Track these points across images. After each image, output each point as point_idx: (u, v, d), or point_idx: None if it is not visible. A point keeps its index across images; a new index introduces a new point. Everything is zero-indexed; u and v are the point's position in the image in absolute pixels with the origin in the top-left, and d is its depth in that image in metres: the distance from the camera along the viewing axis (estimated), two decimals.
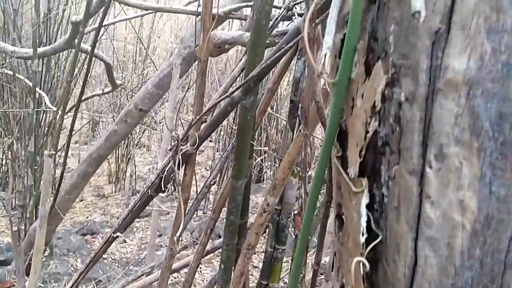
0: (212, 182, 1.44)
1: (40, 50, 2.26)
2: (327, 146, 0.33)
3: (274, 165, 4.83)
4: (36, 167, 3.07)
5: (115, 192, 4.79)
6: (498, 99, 0.26)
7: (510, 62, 0.25)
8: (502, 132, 0.26)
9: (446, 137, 0.28)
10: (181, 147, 1.17)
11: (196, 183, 1.65)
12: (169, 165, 1.18)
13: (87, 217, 4.04)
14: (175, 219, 1.29)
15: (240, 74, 1.32)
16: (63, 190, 2.05)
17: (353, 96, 0.31)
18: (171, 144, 1.09)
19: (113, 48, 4.92)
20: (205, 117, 1.26)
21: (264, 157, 5.06)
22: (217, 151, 5.17)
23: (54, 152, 1.37)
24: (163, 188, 1.20)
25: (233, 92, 1.04)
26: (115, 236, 1.18)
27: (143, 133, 5.62)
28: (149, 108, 2.03)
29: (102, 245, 1.23)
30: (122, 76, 5.04)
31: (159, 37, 5.27)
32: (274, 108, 4.33)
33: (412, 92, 0.29)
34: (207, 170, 5.25)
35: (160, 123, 5.26)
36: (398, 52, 0.30)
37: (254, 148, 1.30)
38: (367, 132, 0.30)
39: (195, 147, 1.16)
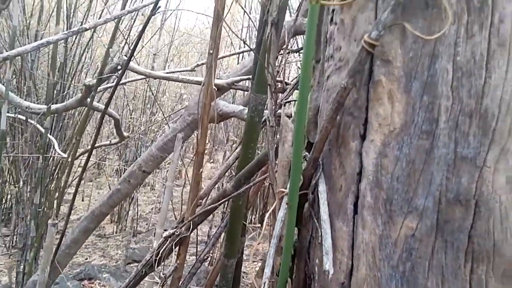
0: (205, 257, 1.52)
1: (53, 107, 2.40)
2: None
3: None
4: (39, 209, 3.15)
5: (116, 232, 4.83)
6: None
7: None
8: None
9: None
10: (176, 231, 1.26)
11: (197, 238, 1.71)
12: (164, 247, 1.26)
13: (86, 258, 4.08)
14: None
15: (233, 163, 1.43)
16: (64, 245, 2.12)
17: None
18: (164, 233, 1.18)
19: (124, 90, 5.12)
20: (200, 201, 1.36)
21: (267, 200, 5.09)
22: None
23: (57, 221, 1.46)
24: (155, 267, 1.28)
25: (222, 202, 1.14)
26: None
27: None
28: (151, 170, 2.13)
29: None
30: (131, 116, 5.20)
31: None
32: None
33: None
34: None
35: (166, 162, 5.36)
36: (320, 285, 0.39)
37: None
38: None
39: (189, 232, 1.25)
